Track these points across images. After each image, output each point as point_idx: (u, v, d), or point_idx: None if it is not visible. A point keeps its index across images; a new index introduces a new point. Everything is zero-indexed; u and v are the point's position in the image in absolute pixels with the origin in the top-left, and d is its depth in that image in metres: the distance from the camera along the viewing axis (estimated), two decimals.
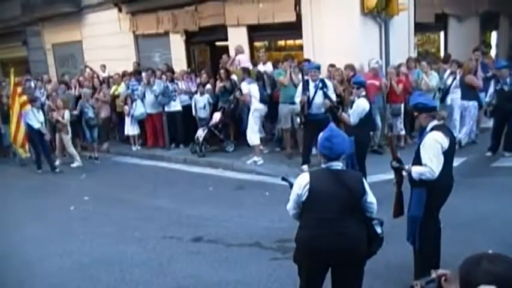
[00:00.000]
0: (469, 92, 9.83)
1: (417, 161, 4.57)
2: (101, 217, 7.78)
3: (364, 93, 7.30)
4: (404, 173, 4.76)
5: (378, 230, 3.75)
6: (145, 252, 6.24)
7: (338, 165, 3.67)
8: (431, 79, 10.15)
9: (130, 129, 12.40)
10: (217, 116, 11.15)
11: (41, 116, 11.20)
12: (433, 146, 4.42)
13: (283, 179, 4.21)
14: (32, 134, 10.98)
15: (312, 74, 8.85)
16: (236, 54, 12.01)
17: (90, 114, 11.88)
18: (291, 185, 3.88)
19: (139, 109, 12.02)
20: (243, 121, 11.08)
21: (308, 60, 10.32)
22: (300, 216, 3.73)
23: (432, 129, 4.52)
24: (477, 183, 7.74)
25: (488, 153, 9.26)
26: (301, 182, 3.61)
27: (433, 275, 1.74)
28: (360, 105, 7.15)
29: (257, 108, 10.10)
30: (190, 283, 5.33)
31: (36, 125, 10.95)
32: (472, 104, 9.90)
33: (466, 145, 10.00)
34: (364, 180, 3.71)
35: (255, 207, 7.65)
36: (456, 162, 8.95)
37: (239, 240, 6.34)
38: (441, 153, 4.43)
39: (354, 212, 3.61)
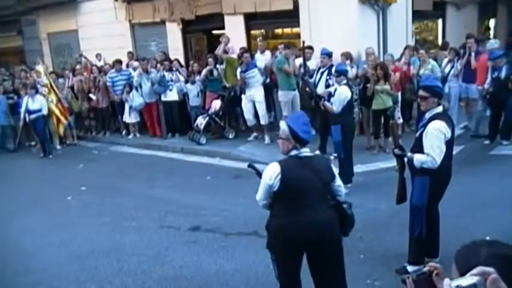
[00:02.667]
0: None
1: (417, 148, 4.56)
2: (98, 207, 7.77)
3: (345, 81, 7.27)
4: (406, 160, 4.75)
5: (348, 210, 3.77)
6: (142, 242, 6.24)
7: (307, 151, 3.65)
8: (432, 68, 10.05)
9: (129, 117, 12.42)
10: (217, 104, 11.16)
11: (35, 104, 11.48)
12: (436, 136, 4.39)
13: (250, 166, 4.08)
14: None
15: (321, 60, 8.93)
16: (227, 43, 12.00)
17: (64, 103, 12.41)
18: (258, 173, 3.86)
19: (137, 99, 12.02)
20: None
21: (310, 47, 10.37)
22: (271, 205, 3.71)
23: (434, 117, 4.47)
24: (475, 171, 7.74)
25: (486, 142, 9.25)
26: (272, 172, 3.54)
27: (425, 268, 1.72)
28: (342, 93, 7.12)
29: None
30: (188, 272, 5.33)
31: (22, 111, 11.57)
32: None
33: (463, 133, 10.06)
34: (332, 163, 3.74)
35: (253, 196, 7.53)
36: (454, 150, 8.96)
37: (237, 229, 6.33)
38: (444, 143, 4.42)
39: (325, 197, 3.64)
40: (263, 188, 3.65)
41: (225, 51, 11.53)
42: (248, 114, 10.72)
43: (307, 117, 3.77)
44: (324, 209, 3.61)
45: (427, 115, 4.56)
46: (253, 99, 10.55)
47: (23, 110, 11.47)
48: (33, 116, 11.40)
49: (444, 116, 4.59)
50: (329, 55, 9.01)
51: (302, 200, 3.53)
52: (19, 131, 12.19)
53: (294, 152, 3.62)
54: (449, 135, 4.44)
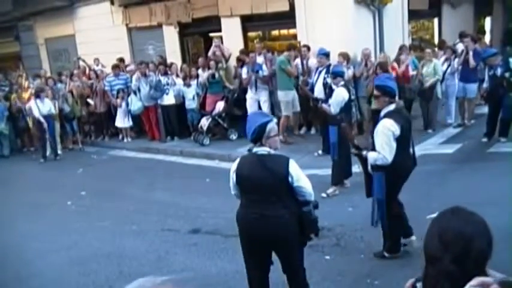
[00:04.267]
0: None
1: (373, 146, 4.83)
2: (98, 211, 7.78)
3: (342, 82, 7.27)
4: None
5: (306, 209, 3.76)
6: (143, 245, 6.25)
7: (264, 150, 3.76)
8: (435, 67, 10.03)
9: (122, 121, 12.46)
10: (221, 105, 11.21)
11: (45, 106, 11.60)
12: (384, 133, 4.64)
13: None
14: (38, 124, 11.71)
15: (318, 60, 9.02)
16: (219, 46, 12.12)
17: (67, 108, 12.45)
18: None
19: (136, 103, 12.03)
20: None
21: (306, 46, 10.61)
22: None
23: (385, 115, 4.74)
24: (473, 169, 7.76)
25: (484, 139, 9.25)
26: (233, 166, 3.86)
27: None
28: (339, 95, 7.13)
29: None
30: (189, 275, 5.34)
31: (36, 115, 11.54)
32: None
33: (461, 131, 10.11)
34: (290, 163, 3.71)
35: None
36: (452, 148, 9.07)
37: (236, 230, 6.28)
38: (393, 140, 4.62)
39: (280, 195, 3.69)
40: (230, 180, 3.91)
41: (222, 54, 11.70)
42: None
43: (249, 117, 4.01)
44: (277, 207, 3.66)
45: (381, 114, 4.80)
46: (258, 99, 10.72)
47: (36, 114, 11.51)
48: (46, 119, 11.56)
49: (395, 114, 4.75)
50: (326, 55, 9.04)
51: (254, 195, 3.73)
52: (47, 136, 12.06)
53: (254, 149, 3.81)
54: (398, 132, 4.61)
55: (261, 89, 10.70)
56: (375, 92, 4.92)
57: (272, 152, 3.77)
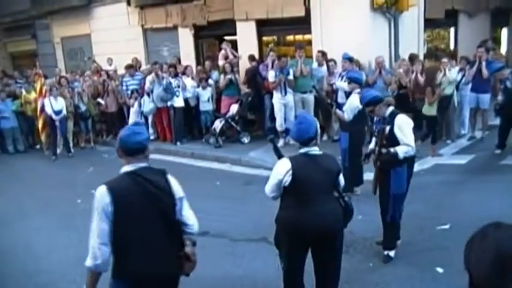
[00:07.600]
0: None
1: (390, 142, 4.98)
2: None
3: (358, 90, 7.15)
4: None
5: (349, 203, 4.05)
6: None
7: (315, 149, 3.89)
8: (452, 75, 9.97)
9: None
10: (234, 108, 11.24)
11: (58, 104, 11.74)
12: (409, 127, 5.01)
13: (271, 140, 4.41)
14: (50, 121, 11.77)
15: (342, 65, 9.16)
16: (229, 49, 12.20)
17: (82, 106, 12.57)
18: (276, 150, 4.08)
19: (148, 105, 12.07)
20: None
21: (321, 52, 10.74)
22: (281, 197, 3.93)
23: (394, 113, 5.07)
24: (486, 181, 7.68)
25: (498, 151, 9.14)
26: (283, 169, 3.78)
27: None
28: (353, 102, 7.07)
29: None
30: (196, 277, 5.25)
31: (49, 112, 11.64)
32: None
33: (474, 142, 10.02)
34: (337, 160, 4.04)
35: (262, 203, 7.54)
36: (464, 159, 8.99)
37: (245, 235, 6.32)
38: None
39: (331, 191, 3.92)
40: (273, 182, 3.87)
41: (234, 55, 11.74)
42: (282, 120, 10.68)
43: (301, 119, 4.02)
44: (330, 202, 3.89)
45: (387, 114, 5.16)
46: (286, 103, 10.62)
47: (49, 110, 11.62)
48: (59, 116, 11.67)
49: (399, 111, 5.26)
50: (350, 60, 9.06)
51: (310, 194, 3.78)
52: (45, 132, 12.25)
53: (304, 150, 3.88)
54: (412, 125, 5.14)
55: (289, 92, 10.59)
56: (371, 107, 5.23)
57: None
